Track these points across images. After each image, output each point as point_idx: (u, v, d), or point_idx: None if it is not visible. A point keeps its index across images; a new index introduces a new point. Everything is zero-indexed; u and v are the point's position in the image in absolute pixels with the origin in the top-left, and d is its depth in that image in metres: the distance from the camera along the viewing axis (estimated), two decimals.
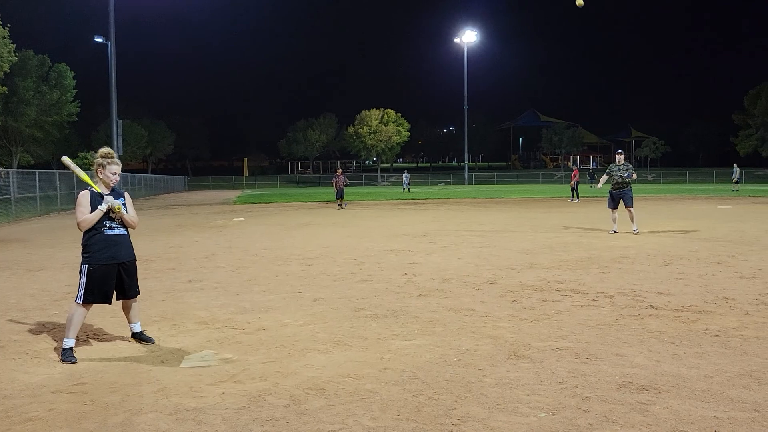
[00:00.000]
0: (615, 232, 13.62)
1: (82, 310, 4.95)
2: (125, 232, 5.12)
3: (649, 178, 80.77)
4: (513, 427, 3.28)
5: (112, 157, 5.05)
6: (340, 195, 26.85)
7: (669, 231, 13.97)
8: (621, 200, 13.48)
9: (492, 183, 79.65)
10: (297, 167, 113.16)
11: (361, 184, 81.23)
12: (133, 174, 47.69)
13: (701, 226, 15.06)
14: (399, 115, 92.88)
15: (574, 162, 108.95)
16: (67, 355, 4.75)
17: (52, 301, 7.13)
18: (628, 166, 13.54)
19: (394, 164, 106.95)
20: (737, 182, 41.42)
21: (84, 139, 76.03)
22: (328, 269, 9.15)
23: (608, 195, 13.84)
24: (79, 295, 4.93)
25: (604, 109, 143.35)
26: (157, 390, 4.01)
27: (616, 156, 13.85)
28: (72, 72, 47.25)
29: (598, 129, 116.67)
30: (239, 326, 5.75)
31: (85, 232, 4.98)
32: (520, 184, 75.52)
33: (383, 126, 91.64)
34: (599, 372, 4.16)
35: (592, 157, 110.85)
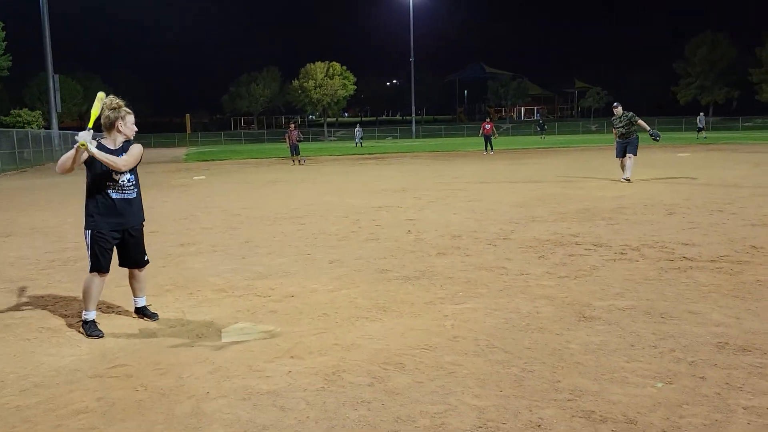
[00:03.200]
0: (626, 179, 13.60)
1: (97, 279, 4.39)
2: (134, 195, 4.53)
3: (593, 128, 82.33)
4: (635, 401, 2.99)
5: (128, 107, 4.42)
6: (295, 151, 25.99)
7: (647, 179, 14.03)
8: (625, 148, 13.66)
9: (440, 136, 79.57)
10: (241, 123, 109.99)
11: (308, 140, 79.80)
12: (73, 132, 45.12)
13: (674, 173, 15.21)
14: (344, 68, 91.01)
15: (519, 114, 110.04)
16: (91, 329, 4.23)
17: (38, 270, 6.45)
18: (627, 116, 13.59)
19: (341, 119, 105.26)
20: (700, 130, 41.85)
21: (16, 96, 71.40)
22: (325, 228, 8.69)
23: (615, 145, 14.05)
24: (90, 264, 4.37)
25: (548, 61, 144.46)
26: (212, 370, 3.55)
27: (614, 109, 13.89)
28: (1, 23, 43.77)
29: (543, 80, 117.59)
30: (263, 293, 5.28)
31: (88, 194, 4.41)
32: (468, 136, 75.68)
33: (329, 79, 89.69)
34: (685, 333, 3.92)
35: (536, 108, 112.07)
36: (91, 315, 4.32)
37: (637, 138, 13.70)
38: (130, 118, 4.45)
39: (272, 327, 4.35)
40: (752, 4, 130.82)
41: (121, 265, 4.63)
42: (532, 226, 8.26)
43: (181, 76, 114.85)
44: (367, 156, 32.31)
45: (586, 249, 6.68)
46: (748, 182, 13.04)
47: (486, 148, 31.28)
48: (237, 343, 4.04)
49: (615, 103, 14.21)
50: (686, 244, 6.70)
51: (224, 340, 4.12)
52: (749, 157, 22.06)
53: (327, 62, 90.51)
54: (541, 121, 62.72)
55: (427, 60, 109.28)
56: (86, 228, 4.41)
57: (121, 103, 4.46)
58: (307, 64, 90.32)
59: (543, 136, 56.66)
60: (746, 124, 69.17)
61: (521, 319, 4.34)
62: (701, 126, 42.07)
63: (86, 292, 4.37)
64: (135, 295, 4.75)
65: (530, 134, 76.46)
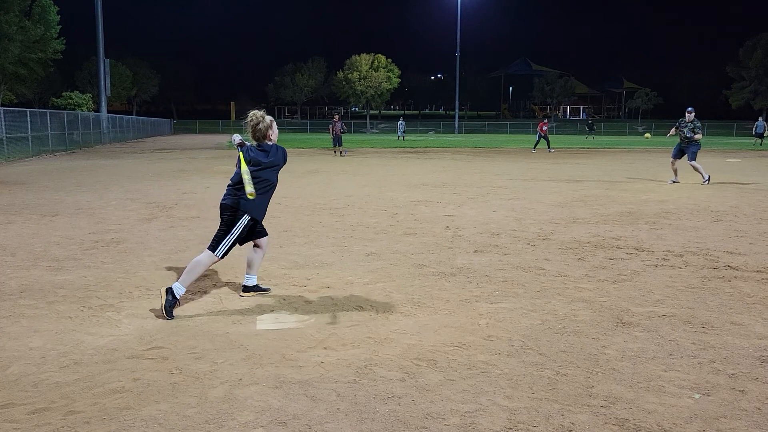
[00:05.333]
0: (674, 182, 14.09)
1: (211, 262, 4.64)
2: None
3: (640, 129, 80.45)
4: (671, 411, 2.93)
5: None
6: (338, 142, 26.10)
7: (693, 183, 13.66)
8: (683, 152, 14.03)
9: (482, 132, 78.90)
10: (284, 112, 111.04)
11: (351, 131, 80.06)
12: (121, 116, 46.29)
13: (722, 179, 14.77)
14: (389, 60, 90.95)
15: (564, 113, 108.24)
16: (172, 308, 4.39)
17: (82, 250, 6.64)
18: (695, 123, 13.84)
19: (384, 111, 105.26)
20: (760, 136, 39.20)
21: (67, 78, 73.53)
22: (363, 220, 8.72)
23: (675, 146, 14.41)
24: (222, 246, 4.62)
25: (597, 60, 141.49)
26: (246, 357, 3.60)
27: (686, 114, 13.95)
28: (56, 7, 45.06)
29: (590, 79, 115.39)
30: (299, 282, 5.33)
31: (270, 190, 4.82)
32: (511, 133, 74.88)
33: (373, 72, 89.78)
34: (726, 344, 3.81)
35: (582, 107, 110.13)
36: (183, 291, 4.45)
37: (698, 145, 14.07)
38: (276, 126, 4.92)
39: (307, 317, 4.40)
40: None
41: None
42: (573, 228, 8.13)
43: (227, 64, 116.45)
44: (408, 150, 32.26)
45: (627, 253, 6.55)
46: None
47: (535, 147, 30.73)
48: (271, 331, 4.09)
49: (689, 108, 14.13)
50: (732, 253, 6.50)
51: (259, 327, 4.18)
52: None
53: (372, 54, 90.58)
54: (590, 121, 61.52)
55: (472, 55, 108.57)
56: (246, 214, 4.67)
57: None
58: (353, 56, 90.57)
59: (592, 137, 55.60)
60: None
61: (557, 321, 4.28)
62: (761, 132, 39.39)
63: (196, 271, 4.52)
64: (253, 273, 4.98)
65: (575, 134, 75.20)
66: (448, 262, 6.10)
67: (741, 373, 3.36)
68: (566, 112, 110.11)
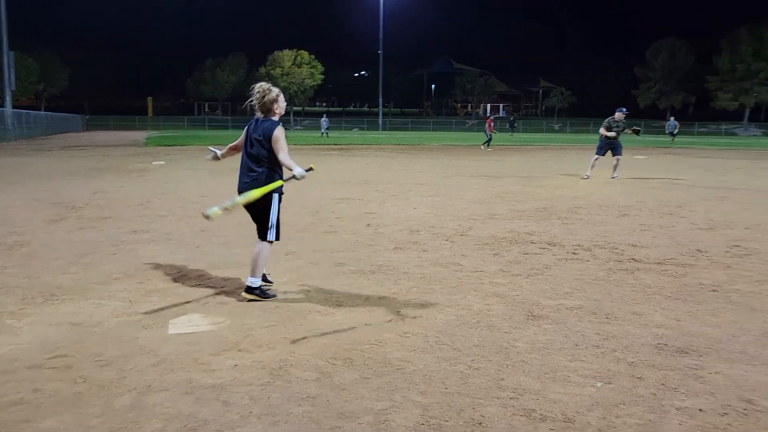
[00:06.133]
0: (587, 177, 14.77)
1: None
2: None
3: (556, 127, 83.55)
4: (575, 400, 3.06)
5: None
6: None
7: (604, 181, 14.31)
8: (611, 150, 14.62)
9: (406, 129, 79.64)
10: (205, 108, 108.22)
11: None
12: (27, 111, 43.78)
13: (630, 175, 15.54)
14: (313, 57, 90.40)
15: (485, 110, 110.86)
16: (267, 293, 4.77)
17: None
18: (625, 123, 14.60)
19: (308, 108, 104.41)
20: (672, 134, 41.45)
21: None
22: (284, 219, 8.53)
23: (598, 142, 14.93)
24: (276, 233, 4.90)
25: (515, 59, 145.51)
26: (156, 363, 3.49)
27: (618, 113, 14.54)
28: None
29: (509, 78, 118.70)
30: (216, 284, 5.22)
31: (274, 166, 4.82)
32: (433, 131, 75.99)
33: (296, 68, 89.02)
34: (627, 333, 4.02)
35: (501, 105, 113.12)
36: (259, 281, 4.71)
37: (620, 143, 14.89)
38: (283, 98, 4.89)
39: (222, 319, 4.31)
40: (710, 13, 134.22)
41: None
42: (490, 223, 8.35)
43: (144, 58, 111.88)
44: (332, 146, 32.17)
45: (540, 248, 6.79)
46: (698, 186, 13.41)
47: (488, 144, 30.81)
48: (184, 335, 3.99)
49: (622, 108, 14.76)
50: (635, 246, 6.86)
51: (171, 331, 4.06)
52: (702, 161, 22.71)
53: (295, 50, 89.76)
54: (511, 119, 63.19)
55: (396, 52, 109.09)
56: (278, 196, 4.86)
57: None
58: (275, 52, 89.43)
59: (512, 134, 57.19)
60: (701, 129, 71.09)
61: (472, 316, 4.39)
62: (672, 130, 41.47)
63: (264, 260, 4.75)
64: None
65: (496, 131, 77.15)
66: (367, 260, 6.13)
67: (639, 361, 3.56)
68: (487, 110, 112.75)
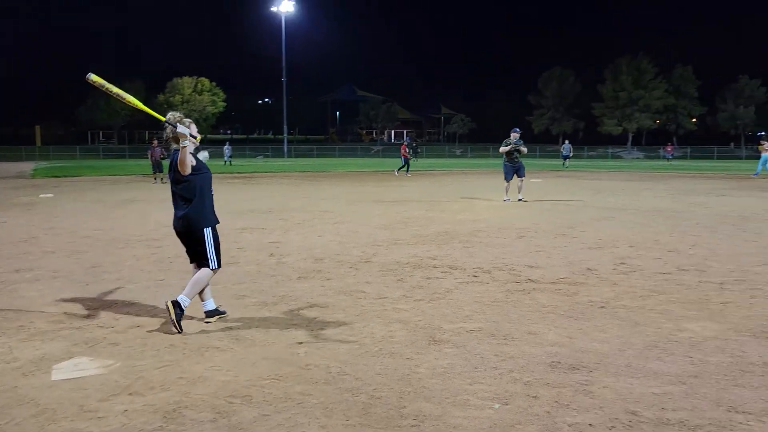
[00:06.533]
0: (507, 200, 15.33)
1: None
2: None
3: (458, 152, 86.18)
4: (474, 423, 3.11)
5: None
6: (158, 168, 25.13)
7: (503, 204, 14.86)
8: (516, 173, 15.26)
9: (311, 156, 79.50)
10: (99, 137, 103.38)
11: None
12: None
13: (527, 197, 16.21)
14: (214, 84, 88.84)
15: (389, 137, 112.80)
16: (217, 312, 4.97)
17: None
18: (521, 142, 15.30)
19: (210, 136, 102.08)
20: (566, 158, 43.57)
21: None
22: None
23: (504, 168, 15.58)
24: (217, 261, 5.03)
25: (417, 86, 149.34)
26: (37, 413, 3.24)
27: (512, 134, 15.26)
28: None
29: (411, 105, 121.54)
30: (106, 323, 4.94)
31: (200, 195, 4.91)
32: (339, 157, 76.33)
33: (197, 95, 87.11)
34: (524, 353, 4.15)
35: (405, 131, 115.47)
36: (188, 303, 4.76)
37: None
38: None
39: (111, 361, 4.07)
40: (594, 46, 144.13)
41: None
42: (394, 249, 8.43)
43: (32, 83, 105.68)
44: (235, 175, 31.62)
45: (442, 272, 6.92)
46: (588, 207, 14.21)
47: (407, 170, 30.77)
48: (69, 380, 3.73)
49: (515, 128, 15.56)
50: (532, 267, 7.14)
51: (55, 377, 3.79)
52: (591, 183, 24.11)
53: (195, 77, 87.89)
54: (414, 144, 64.47)
55: (300, 79, 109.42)
56: (207, 226, 4.91)
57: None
58: (174, 79, 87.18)
59: (416, 159, 58.32)
60: (590, 153, 75.51)
61: (375, 344, 4.38)
62: (566, 154, 43.68)
63: (201, 284, 4.88)
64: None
65: (399, 156, 78.52)
66: (270, 291, 6.02)
67: (535, 380, 3.67)
68: (391, 136, 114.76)
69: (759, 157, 28.65)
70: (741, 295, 5.80)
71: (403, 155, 30.75)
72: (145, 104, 5.13)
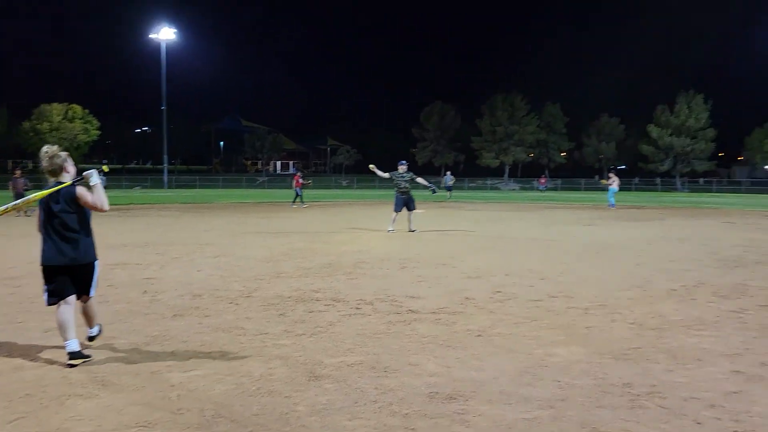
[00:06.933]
0: (392, 231, 15.43)
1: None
2: None
3: (344, 183, 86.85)
4: None
5: None
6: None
7: (386, 235, 15.09)
8: (405, 205, 15.46)
9: (194, 187, 76.98)
10: None
11: (40, 187, 71.36)
12: None
13: (413, 227, 16.58)
14: (87, 111, 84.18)
15: (275, 167, 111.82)
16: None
17: None
18: (410, 174, 15.57)
19: (83, 165, 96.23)
20: (449, 189, 44.88)
21: None
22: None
23: (395, 199, 15.63)
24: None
25: (303, 117, 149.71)
26: None
27: (399, 166, 15.59)
28: None
29: (298, 136, 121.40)
30: None
31: (89, 230, 5.02)
32: (223, 188, 74.52)
33: (67, 123, 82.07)
34: (404, 385, 4.19)
35: (291, 162, 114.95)
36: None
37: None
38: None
39: None
40: (472, 83, 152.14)
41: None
42: (277, 283, 8.29)
43: None
44: (110, 207, 29.82)
45: (325, 305, 6.88)
46: (469, 237, 14.76)
47: (298, 200, 30.14)
48: None
49: (402, 161, 15.88)
50: (413, 297, 7.27)
51: None
52: (472, 214, 25.10)
53: (66, 104, 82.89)
54: (302, 176, 63.99)
55: (182, 108, 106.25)
56: (97, 258, 5.02)
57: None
58: (42, 105, 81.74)
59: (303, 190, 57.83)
60: (471, 184, 78.80)
61: (253, 383, 4.25)
62: (449, 185, 45.01)
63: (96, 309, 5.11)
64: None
65: (287, 187, 77.96)
66: (141, 331, 5.70)
67: (413, 412, 3.71)
68: (277, 167, 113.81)
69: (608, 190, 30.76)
70: (603, 319, 6.22)
71: (297, 186, 30.45)
72: (7, 132, 5.08)
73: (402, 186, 15.58)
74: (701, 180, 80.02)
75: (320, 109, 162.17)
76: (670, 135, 75.92)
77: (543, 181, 65.58)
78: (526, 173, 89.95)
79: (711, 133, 75.73)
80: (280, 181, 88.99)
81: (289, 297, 7.31)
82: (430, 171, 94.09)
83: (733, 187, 72.70)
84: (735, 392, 4.10)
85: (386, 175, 15.74)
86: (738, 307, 6.82)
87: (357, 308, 6.69)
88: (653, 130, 76.96)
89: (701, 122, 75.59)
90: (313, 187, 77.62)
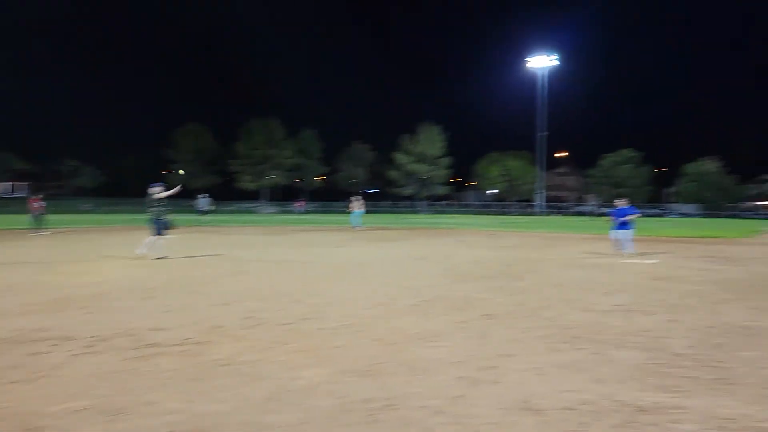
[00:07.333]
0: (143, 253, 14.86)
1: None
2: None
3: (87, 207, 79.23)
4: None
5: None
6: None
7: (132, 263, 14.03)
8: (159, 229, 15.08)
9: None
10: None
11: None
12: None
13: (164, 253, 15.65)
14: None
15: (5, 190, 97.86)
16: None
17: None
18: (162, 201, 14.98)
19: None
20: (204, 212, 42.74)
21: None
22: None
23: (153, 223, 15.00)
24: None
25: (35, 135, 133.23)
26: None
27: (152, 188, 14.92)
28: None
29: (30, 156, 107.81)
30: None
31: None
32: None
33: None
34: (139, 427, 3.86)
35: (27, 184, 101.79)
36: None
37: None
38: None
39: None
40: (228, 105, 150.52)
41: None
42: None
43: None
44: None
45: (52, 345, 6.11)
46: (224, 262, 14.38)
47: (39, 226, 25.77)
48: None
49: (155, 183, 15.13)
50: (157, 329, 6.82)
51: None
52: (229, 238, 24.56)
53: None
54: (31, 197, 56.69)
55: None
56: None
57: None
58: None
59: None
60: (228, 207, 77.34)
61: None
62: (203, 208, 43.15)
63: None
64: None
65: (15, 213, 68.60)
66: None
67: None
68: (11, 188, 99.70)
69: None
70: (350, 338, 6.47)
71: (33, 210, 26.74)
72: None
73: (156, 209, 14.88)
74: (441, 202, 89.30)
75: (56, 126, 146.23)
76: (414, 162, 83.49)
77: (300, 204, 67.01)
78: (285, 196, 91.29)
79: (447, 161, 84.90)
80: (12, 204, 78.06)
81: (4, 339, 6.35)
82: (186, 194, 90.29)
83: (465, 209, 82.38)
84: (459, 396, 4.52)
85: (166, 194, 15.12)
86: (464, 318, 7.60)
87: (90, 346, 6.05)
88: (399, 158, 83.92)
89: (438, 151, 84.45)
90: (51, 212, 69.60)
